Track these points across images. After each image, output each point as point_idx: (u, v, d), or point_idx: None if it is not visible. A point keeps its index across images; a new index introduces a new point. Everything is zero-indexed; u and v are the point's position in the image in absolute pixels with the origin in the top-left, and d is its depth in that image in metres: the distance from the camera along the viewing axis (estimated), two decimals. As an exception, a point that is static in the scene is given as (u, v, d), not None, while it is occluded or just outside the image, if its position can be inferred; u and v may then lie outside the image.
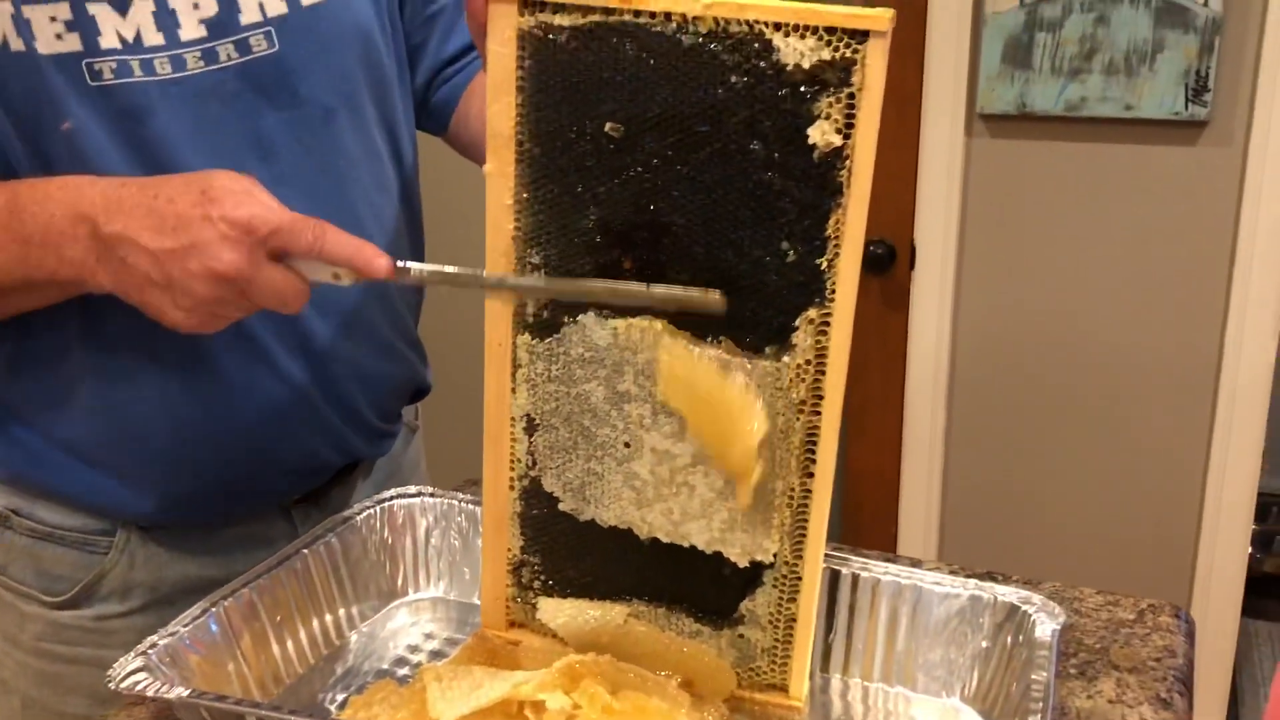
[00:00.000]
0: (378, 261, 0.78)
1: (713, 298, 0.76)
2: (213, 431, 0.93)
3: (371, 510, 0.98)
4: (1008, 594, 0.86)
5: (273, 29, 0.88)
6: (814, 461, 0.80)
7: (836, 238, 0.74)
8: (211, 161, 0.85)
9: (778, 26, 0.71)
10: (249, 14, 0.87)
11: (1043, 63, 1.94)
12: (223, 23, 0.86)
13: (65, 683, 0.98)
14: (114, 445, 0.93)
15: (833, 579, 0.89)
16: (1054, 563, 2.18)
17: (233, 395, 0.92)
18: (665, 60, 0.73)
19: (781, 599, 0.83)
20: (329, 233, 0.77)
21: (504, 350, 0.84)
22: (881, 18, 0.70)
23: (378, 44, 0.97)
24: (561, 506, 0.86)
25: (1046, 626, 0.82)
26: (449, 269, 0.81)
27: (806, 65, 0.71)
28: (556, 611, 0.89)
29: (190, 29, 0.85)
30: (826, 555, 0.84)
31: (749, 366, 0.78)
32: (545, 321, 0.82)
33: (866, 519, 2.28)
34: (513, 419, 0.86)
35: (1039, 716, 0.73)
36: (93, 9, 0.81)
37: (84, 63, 0.81)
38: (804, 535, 0.82)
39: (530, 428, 0.85)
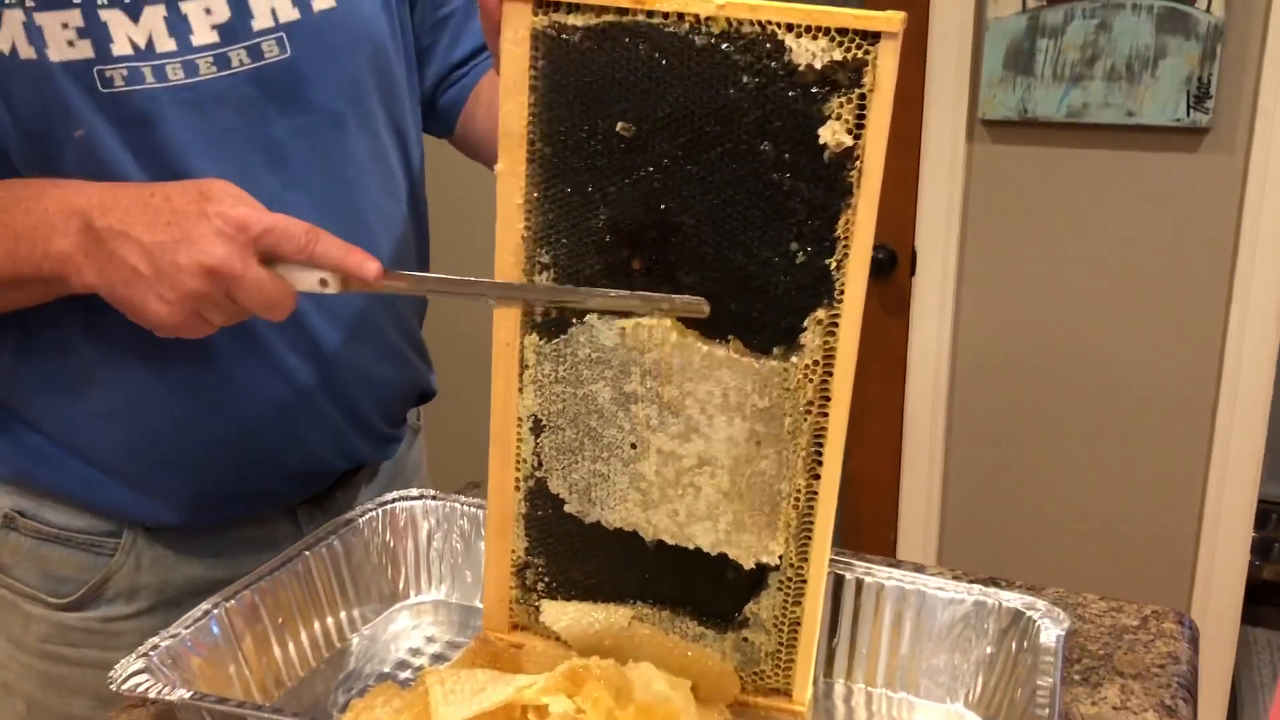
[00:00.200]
0: (367, 265, 0.78)
1: (695, 302, 0.77)
2: (218, 434, 0.93)
3: (373, 513, 0.98)
4: (1012, 600, 0.85)
5: (284, 35, 0.87)
6: (820, 463, 0.80)
7: (846, 238, 0.74)
8: (222, 168, 0.85)
9: (790, 27, 0.71)
10: (261, 19, 0.86)
11: (1044, 69, 1.94)
12: (234, 28, 0.85)
13: (70, 685, 0.97)
14: (120, 448, 0.92)
15: (836, 584, 0.88)
16: (1053, 569, 2.18)
17: (238, 398, 0.92)
18: (677, 60, 0.73)
19: (786, 602, 0.83)
20: (321, 236, 0.77)
21: (511, 350, 0.84)
22: (893, 19, 0.70)
23: (388, 49, 0.96)
24: (567, 508, 0.85)
25: (1051, 632, 0.81)
26: (437, 275, 0.81)
27: (818, 66, 0.71)
28: (560, 614, 0.88)
29: (202, 34, 0.84)
30: (830, 560, 0.84)
31: (757, 365, 0.77)
32: (552, 322, 0.82)
33: (866, 524, 2.27)
34: (519, 420, 0.85)
35: (1045, 722, 0.73)
36: (105, 15, 0.81)
37: (95, 70, 0.81)
38: (809, 537, 0.81)
39: (537, 428, 0.85)
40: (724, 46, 0.72)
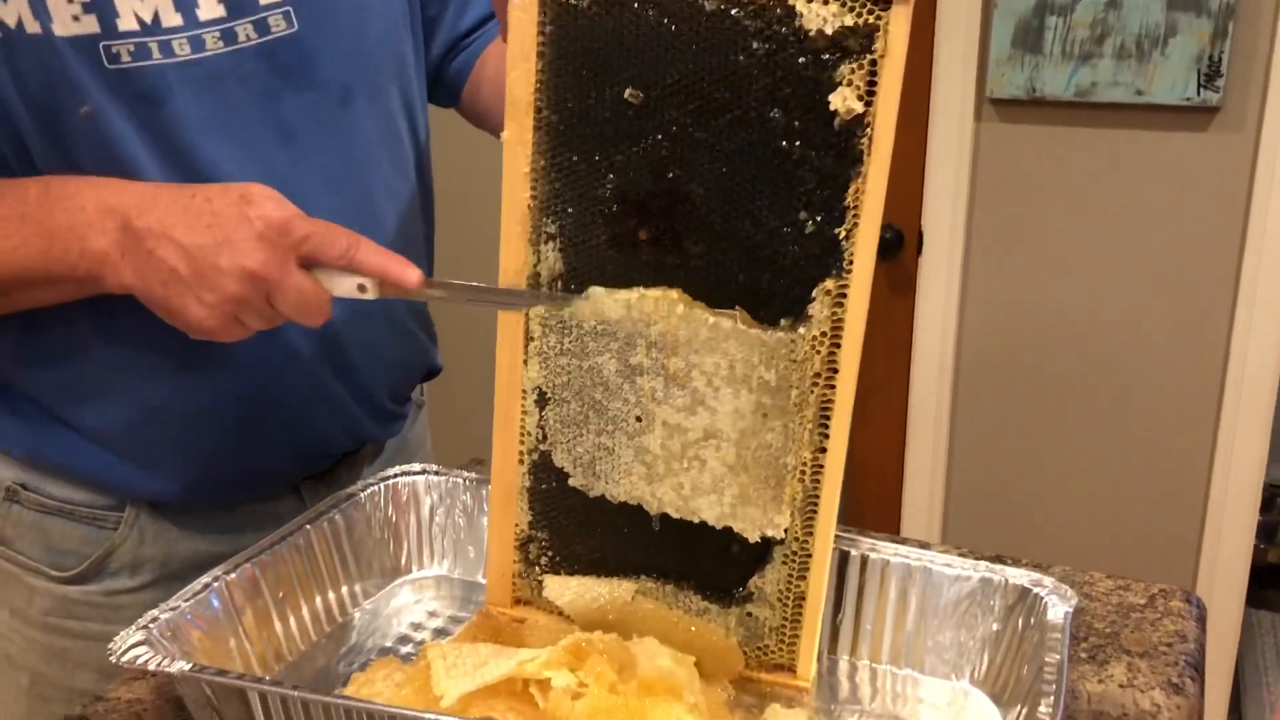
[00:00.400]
0: (408, 273, 0.78)
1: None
2: (224, 412, 0.92)
3: (375, 487, 0.97)
4: (1019, 577, 0.84)
5: (291, 9, 0.86)
6: (827, 436, 0.79)
7: (856, 207, 0.73)
8: (230, 145, 0.84)
9: (800, -9, 0.69)
10: None
11: (1053, 47, 1.93)
12: (241, 3, 0.84)
13: (73, 658, 0.97)
14: (123, 426, 0.92)
15: (841, 560, 0.88)
16: (1057, 551, 2.17)
17: (245, 376, 0.91)
18: (686, 26, 0.72)
19: (791, 576, 0.82)
20: (361, 243, 0.77)
21: (517, 322, 0.83)
22: (906, -17, 0.69)
23: (396, 22, 0.95)
24: (571, 482, 0.85)
25: (1059, 609, 0.80)
26: (476, 284, 0.81)
27: (829, 31, 0.69)
28: (563, 589, 0.88)
29: (209, 9, 0.83)
30: (836, 535, 0.83)
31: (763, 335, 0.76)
32: (559, 293, 0.81)
33: (870, 505, 2.27)
34: (524, 392, 0.84)
35: (1051, 699, 0.72)
36: None
37: (101, 45, 0.80)
38: (815, 511, 0.81)
39: (541, 401, 0.84)
40: (733, 11, 0.71)
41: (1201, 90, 1.85)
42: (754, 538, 0.81)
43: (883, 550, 0.88)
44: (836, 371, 0.77)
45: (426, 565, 0.99)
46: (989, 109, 2.02)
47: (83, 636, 0.96)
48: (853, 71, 0.70)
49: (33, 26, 0.78)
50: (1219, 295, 1.97)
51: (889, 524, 2.25)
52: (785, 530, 0.81)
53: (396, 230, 0.97)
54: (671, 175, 0.76)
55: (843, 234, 0.74)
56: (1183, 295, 1.99)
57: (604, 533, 0.86)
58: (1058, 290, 2.07)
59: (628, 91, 0.75)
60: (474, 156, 1.46)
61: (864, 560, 0.88)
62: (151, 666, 0.73)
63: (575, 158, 0.77)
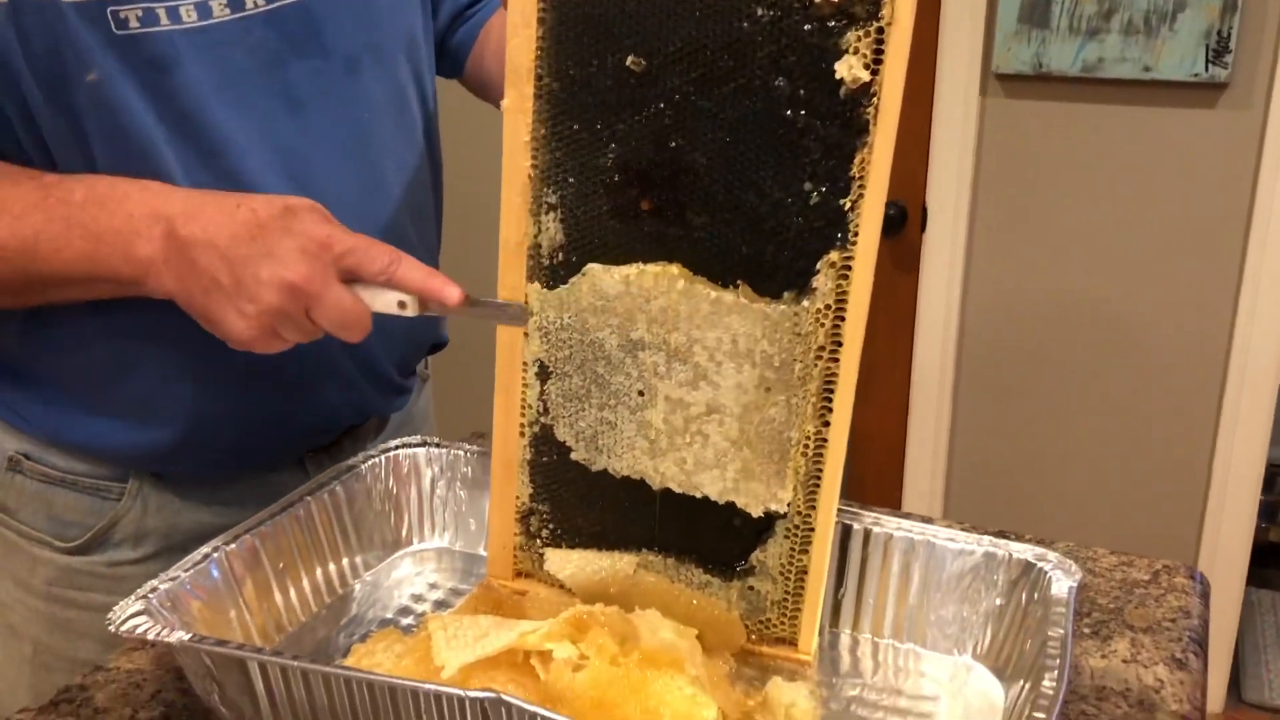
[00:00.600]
0: (448, 291, 0.77)
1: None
2: (230, 385, 0.91)
3: (376, 459, 0.97)
4: (1023, 551, 0.84)
5: None
6: (831, 409, 0.78)
7: (861, 178, 0.72)
8: (240, 113, 0.83)
9: (806, -43, 0.68)
10: None
11: (1060, 22, 1.91)
12: None
13: (76, 628, 0.97)
14: (131, 397, 0.91)
15: (844, 533, 0.87)
16: (1059, 529, 2.18)
17: (254, 353, 0.90)
18: (689, -9, 0.71)
19: (793, 550, 0.82)
20: (403, 260, 0.77)
21: (517, 295, 0.82)
22: (913, -51, 0.67)
23: None
24: (574, 456, 0.84)
25: (1063, 584, 0.80)
26: (520, 304, 0.82)
27: (835, -2, 0.68)
28: (564, 562, 0.87)
29: None
30: (838, 509, 0.83)
31: (768, 310, 0.76)
32: (556, 268, 0.80)
33: (871, 481, 2.27)
34: (525, 364, 0.84)
35: (1055, 673, 0.71)
36: None
37: (109, 10, 0.79)
38: (818, 485, 0.80)
39: (543, 374, 0.83)
40: (737, -23, 0.70)
41: (1210, 66, 1.84)
42: (757, 512, 0.81)
43: (886, 524, 0.87)
44: (840, 345, 0.76)
45: (427, 537, 0.99)
46: (994, 84, 2.01)
47: (86, 607, 0.96)
48: (859, 39, 0.69)
49: None
50: (1224, 273, 1.96)
51: (890, 500, 2.25)
52: (788, 504, 0.80)
53: (404, 201, 0.96)
54: (674, 145, 0.75)
55: (848, 205, 0.73)
56: (1188, 273, 1.98)
57: (605, 506, 0.86)
58: (1062, 267, 2.06)
59: (630, 59, 0.74)
60: (478, 127, 1.45)
61: (867, 534, 0.87)
62: (151, 636, 0.73)
63: (576, 126, 0.76)
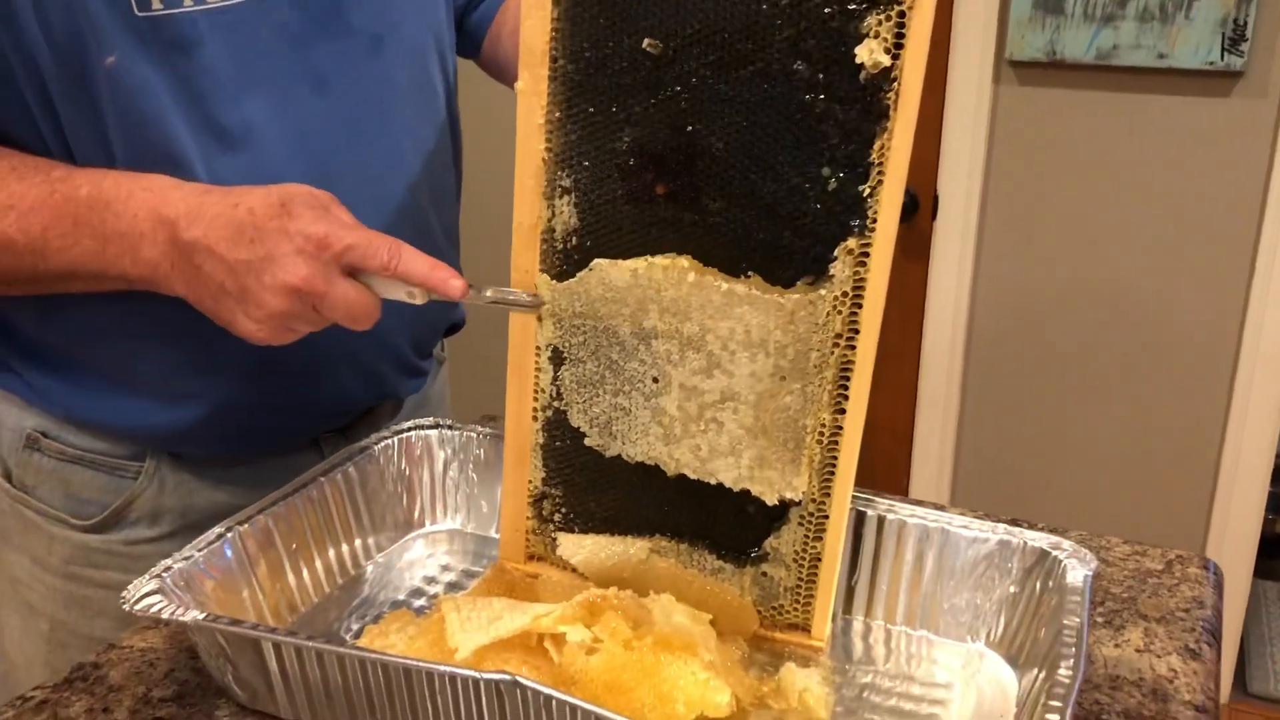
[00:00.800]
0: (452, 283, 0.77)
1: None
2: (251, 375, 0.91)
3: (389, 441, 0.97)
4: (1037, 539, 0.84)
5: None
6: (847, 397, 0.78)
7: (880, 164, 0.71)
8: (262, 95, 0.83)
9: (827, -61, 0.68)
10: None
11: (1075, 8, 1.90)
12: None
13: (93, 606, 0.97)
14: (148, 376, 0.91)
15: (857, 521, 0.87)
16: (1065, 519, 2.17)
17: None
18: (708, -27, 0.70)
19: (807, 537, 0.82)
20: (404, 252, 0.76)
21: (529, 279, 0.82)
22: (936, -68, 0.67)
23: None
24: (587, 442, 0.84)
25: (1078, 573, 0.80)
26: (530, 294, 0.82)
27: (856, -19, 0.68)
28: (577, 547, 0.87)
29: None
30: (852, 496, 0.83)
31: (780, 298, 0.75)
32: (570, 253, 0.80)
33: (880, 470, 2.27)
34: (538, 349, 0.84)
35: (1070, 662, 0.71)
36: None
37: None
38: (833, 473, 0.80)
39: (557, 359, 0.83)
40: (758, -41, 0.69)
41: (1225, 55, 1.83)
42: (772, 500, 0.81)
43: (900, 511, 0.87)
44: (857, 332, 0.76)
45: (439, 519, 0.99)
46: (1008, 71, 2.00)
47: (102, 585, 0.96)
48: (880, 23, 0.68)
49: None
50: (1236, 264, 1.95)
51: (897, 487, 2.25)
52: (802, 492, 0.80)
53: (424, 181, 0.96)
54: (690, 129, 0.74)
55: (866, 191, 0.72)
56: (1199, 263, 1.98)
57: (618, 491, 0.85)
58: (1073, 256, 2.05)
59: (646, 41, 0.73)
60: (493, 109, 1.44)
61: (880, 521, 0.87)
62: (165, 615, 0.73)
63: (591, 109, 0.76)
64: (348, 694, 0.71)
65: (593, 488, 0.86)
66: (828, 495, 0.81)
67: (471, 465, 0.99)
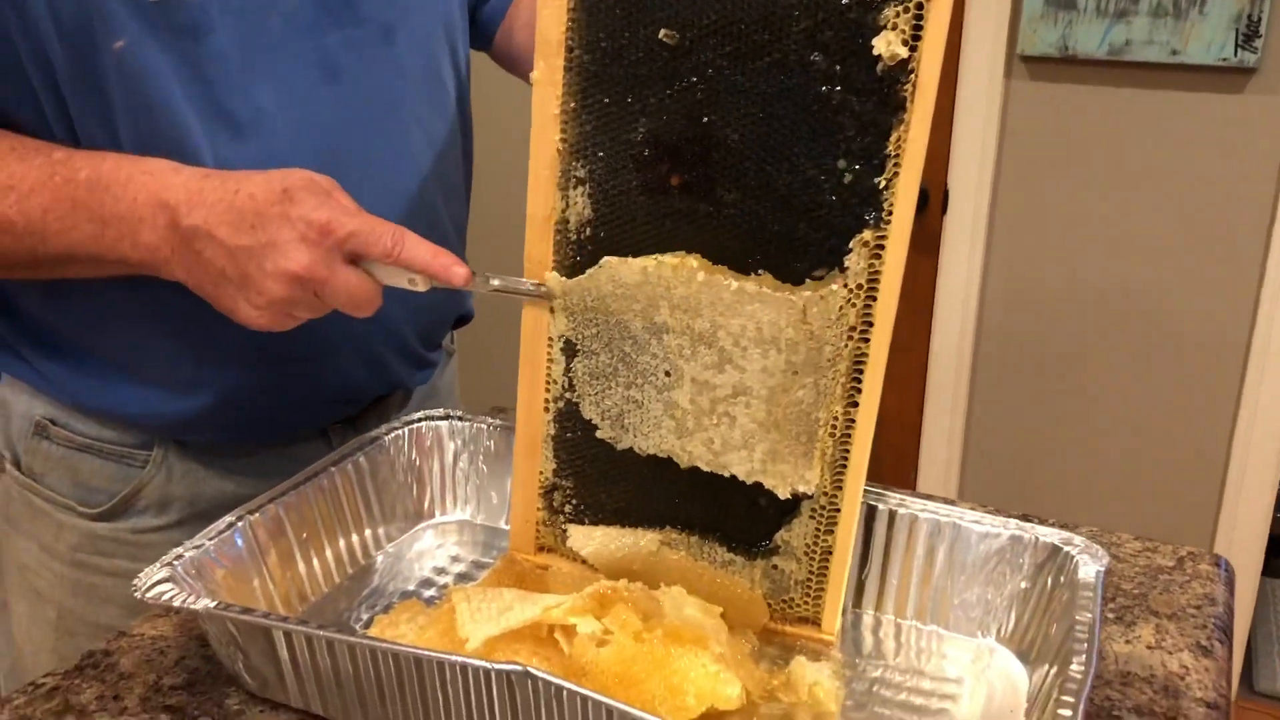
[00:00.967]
0: (455, 270, 0.77)
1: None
2: (259, 363, 0.91)
3: (399, 431, 0.97)
4: (1049, 535, 0.84)
5: None
6: (860, 390, 0.78)
7: (897, 156, 0.71)
8: (271, 82, 0.83)
9: (845, -70, 0.68)
10: None
11: (1087, 3, 1.89)
12: None
13: (100, 594, 0.97)
14: (156, 364, 0.91)
15: (869, 514, 0.87)
16: (1073, 515, 2.17)
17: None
18: (725, -37, 0.70)
19: (819, 531, 0.82)
20: (407, 239, 0.76)
21: (542, 268, 0.82)
22: (955, -77, 0.66)
23: None
24: (599, 434, 0.84)
25: (1090, 568, 0.80)
26: (534, 281, 0.81)
27: (874, -28, 0.68)
28: (587, 538, 0.87)
29: None
30: (863, 490, 0.82)
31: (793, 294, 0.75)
32: (583, 244, 0.80)
33: (887, 463, 2.26)
34: (550, 340, 0.84)
35: (1082, 658, 0.71)
36: None
37: None
38: (845, 466, 0.80)
39: (569, 350, 0.83)
40: (775, -50, 0.69)
41: (1239, 51, 1.82)
42: (784, 494, 0.80)
43: (911, 505, 0.87)
44: (871, 325, 0.76)
45: (449, 510, 0.99)
46: (1019, 66, 1.99)
47: (110, 573, 0.97)
48: (898, 15, 0.68)
49: None
50: (1248, 261, 1.95)
51: (905, 481, 2.25)
52: (814, 486, 0.80)
53: (433, 173, 0.95)
54: (706, 120, 0.74)
55: (882, 183, 0.72)
56: (1210, 260, 1.97)
57: (629, 483, 0.85)
58: (1083, 251, 2.05)
59: (663, 31, 0.73)
60: (505, 100, 1.44)
61: (892, 515, 0.87)
62: (176, 603, 0.73)
63: (607, 100, 0.76)
64: (358, 683, 0.72)
65: (604, 479, 0.86)
66: (839, 488, 0.80)
67: (481, 456, 0.99)
